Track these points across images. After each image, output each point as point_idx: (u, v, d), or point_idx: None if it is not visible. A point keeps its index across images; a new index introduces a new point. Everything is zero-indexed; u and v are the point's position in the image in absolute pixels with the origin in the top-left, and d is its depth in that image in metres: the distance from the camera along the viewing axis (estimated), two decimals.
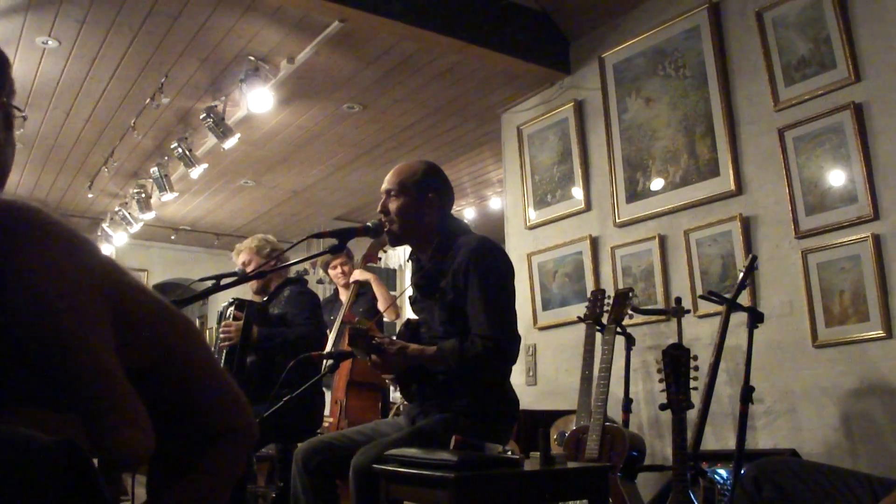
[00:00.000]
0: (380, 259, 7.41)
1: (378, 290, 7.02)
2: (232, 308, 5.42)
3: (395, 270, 12.86)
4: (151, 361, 0.87)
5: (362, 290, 7.15)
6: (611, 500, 4.35)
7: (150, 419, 0.81)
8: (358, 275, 6.95)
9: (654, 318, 5.57)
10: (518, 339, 3.68)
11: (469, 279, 3.57)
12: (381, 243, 6.59)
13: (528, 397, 6.56)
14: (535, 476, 3.07)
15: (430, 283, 3.76)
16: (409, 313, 4.35)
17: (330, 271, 7.36)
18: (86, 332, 0.78)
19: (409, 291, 4.02)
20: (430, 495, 2.95)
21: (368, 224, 3.80)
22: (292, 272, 6.22)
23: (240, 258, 5.80)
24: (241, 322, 5.27)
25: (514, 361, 3.66)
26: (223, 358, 5.34)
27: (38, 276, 0.76)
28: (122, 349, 0.81)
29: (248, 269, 5.55)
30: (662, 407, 3.90)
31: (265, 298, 5.75)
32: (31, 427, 0.82)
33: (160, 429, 0.84)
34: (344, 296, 7.19)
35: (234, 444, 0.96)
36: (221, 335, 5.33)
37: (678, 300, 5.02)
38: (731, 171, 5.39)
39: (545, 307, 6.76)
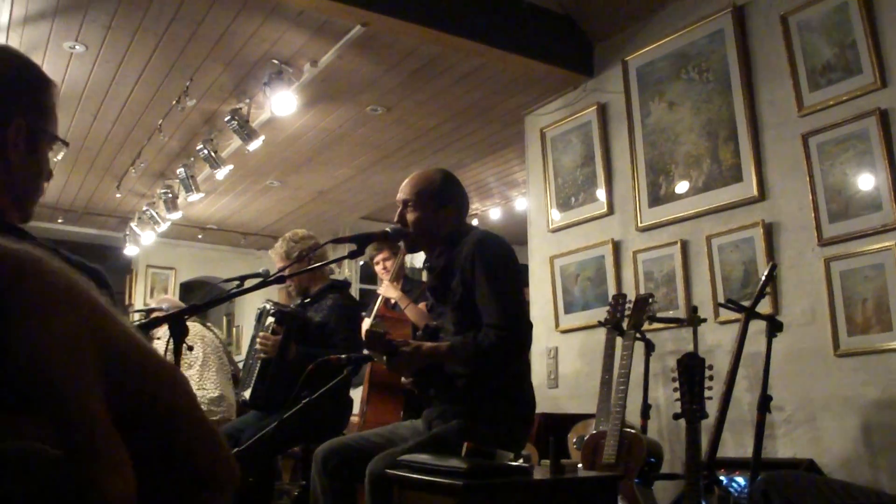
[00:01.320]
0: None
1: (402, 304, 7.01)
2: (272, 319, 5.39)
3: (419, 269, 12.86)
4: (136, 409, 0.89)
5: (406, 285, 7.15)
6: None
7: (137, 467, 0.82)
8: (384, 290, 6.95)
9: (674, 324, 5.55)
10: (530, 326, 3.71)
11: (475, 272, 3.60)
12: (401, 256, 6.62)
13: (550, 400, 6.57)
14: (544, 485, 3.08)
15: (442, 284, 3.79)
16: None
17: (375, 267, 7.37)
18: (74, 384, 0.80)
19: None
20: (440, 502, 2.96)
21: (387, 230, 3.82)
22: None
23: (276, 263, 5.77)
24: (280, 338, 5.25)
25: (527, 349, 3.68)
26: (257, 368, 5.35)
27: (33, 330, 0.79)
28: (109, 397, 0.83)
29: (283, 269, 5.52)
30: (676, 416, 3.89)
31: (305, 300, 5.72)
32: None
33: (146, 476, 0.88)
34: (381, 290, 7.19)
35: (216, 494, 0.97)
36: (258, 346, 5.31)
37: (694, 309, 5.00)
38: (753, 177, 5.36)
39: (567, 310, 6.76)
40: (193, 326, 6.99)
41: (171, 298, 7.68)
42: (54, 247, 1.85)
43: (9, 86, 1.94)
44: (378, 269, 7.29)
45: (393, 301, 7.00)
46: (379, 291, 6.94)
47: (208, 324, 7.39)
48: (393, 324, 6.54)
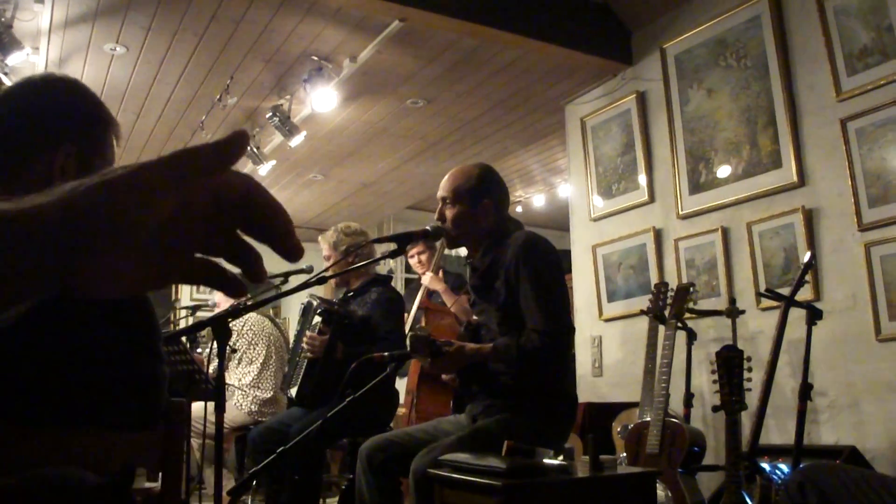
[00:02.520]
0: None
1: (448, 301, 7.06)
2: (319, 319, 5.44)
3: (465, 258, 12.88)
4: None
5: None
6: (670, 495, 4.38)
7: None
8: (427, 282, 7.00)
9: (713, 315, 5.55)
10: (572, 330, 3.73)
11: (519, 275, 3.64)
12: (441, 250, 6.66)
13: (594, 388, 6.60)
14: (583, 483, 3.11)
15: (485, 284, 3.82)
16: None
17: (409, 260, 7.43)
18: None
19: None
20: (480, 501, 3.01)
21: (427, 228, 3.86)
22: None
23: (323, 250, 5.82)
24: (327, 338, 5.31)
25: (569, 352, 3.71)
26: (304, 367, 5.40)
27: None
28: None
29: (328, 263, 5.56)
30: (715, 409, 3.90)
31: (349, 294, 5.77)
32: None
33: None
34: (425, 281, 7.27)
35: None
36: (306, 345, 5.35)
37: (733, 301, 5.02)
38: (793, 163, 5.36)
39: (610, 299, 6.78)
40: (262, 321, 7.10)
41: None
42: None
43: (65, 113, 1.99)
44: (413, 262, 7.36)
45: (434, 292, 7.07)
46: (423, 282, 7.00)
47: (277, 320, 7.48)
48: (434, 315, 6.60)
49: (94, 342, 1.88)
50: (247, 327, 6.95)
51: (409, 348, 3.66)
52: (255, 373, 6.78)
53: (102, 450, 1.83)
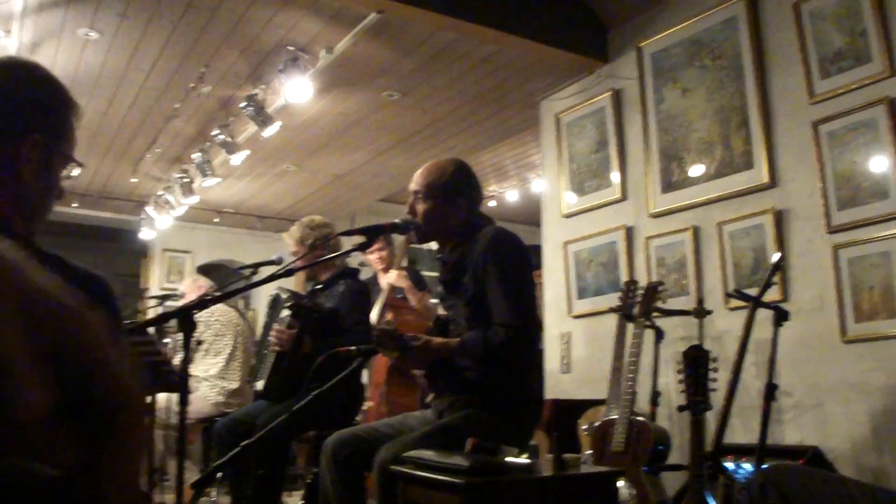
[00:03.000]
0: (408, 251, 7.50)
1: (412, 298, 7.08)
2: (288, 313, 5.42)
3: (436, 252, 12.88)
4: (55, 346, 1.35)
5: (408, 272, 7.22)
6: (635, 493, 4.39)
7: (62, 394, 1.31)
8: (393, 279, 7.00)
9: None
10: (539, 325, 3.74)
11: (487, 270, 3.64)
12: (405, 245, 6.68)
13: (562, 385, 6.61)
14: (545, 482, 3.12)
15: (454, 279, 3.82)
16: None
17: (367, 256, 7.42)
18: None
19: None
20: (442, 499, 3.01)
21: (397, 221, 3.85)
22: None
23: (289, 246, 5.80)
24: (295, 332, 5.28)
25: (536, 347, 3.72)
26: (271, 360, 5.39)
27: None
28: (29, 337, 1.27)
29: (295, 259, 5.56)
30: (681, 408, 3.92)
31: (317, 286, 5.75)
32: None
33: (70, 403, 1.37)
34: (383, 279, 7.26)
35: (128, 415, 1.45)
36: (273, 338, 5.34)
37: (700, 301, 5.06)
38: (764, 164, 5.39)
39: (580, 296, 6.79)
40: (229, 313, 7.10)
41: (192, 284, 7.69)
42: (58, 254, 1.90)
43: (30, 101, 1.99)
44: (371, 258, 7.35)
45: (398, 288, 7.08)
46: (389, 280, 7.00)
47: (244, 312, 7.48)
48: (399, 311, 6.62)
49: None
50: (214, 318, 6.94)
51: (375, 343, 3.66)
52: (222, 364, 6.78)
53: (62, 441, 1.81)
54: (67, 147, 2.04)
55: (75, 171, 2.12)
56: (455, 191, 3.85)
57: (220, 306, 7.02)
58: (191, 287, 7.37)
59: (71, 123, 2.04)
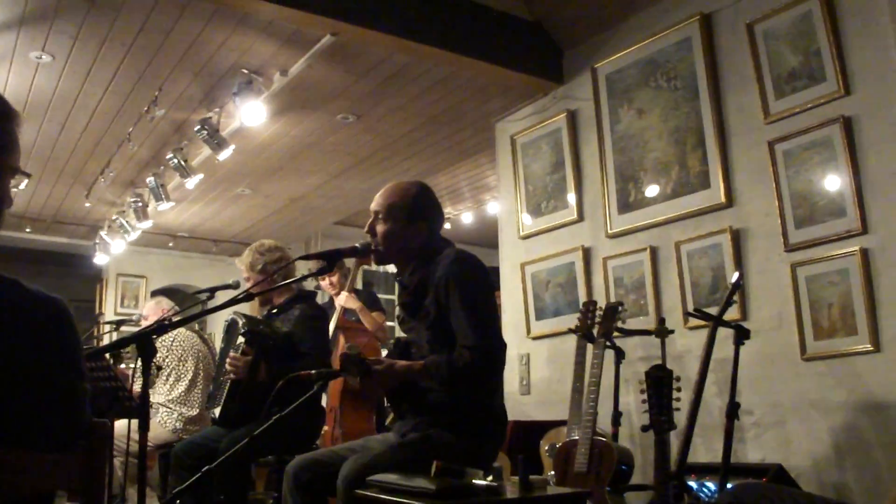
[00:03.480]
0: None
1: (365, 319, 7.08)
2: (242, 340, 5.35)
3: (393, 275, 12.87)
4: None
5: (358, 293, 7.23)
6: None
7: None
8: (344, 301, 6.99)
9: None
10: (504, 346, 3.69)
11: (449, 292, 3.60)
12: (355, 269, 6.69)
13: (522, 407, 6.59)
14: None
15: (415, 302, 3.79)
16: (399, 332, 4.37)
17: (320, 282, 7.40)
18: None
19: (398, 311, 4.05)
20: None
21: (356, 245, 3.82)
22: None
23: (241, 272, 5.74)
24: (250, 359, 5.21)
25: (501, 369, 3.69)
26: (227, 387, 5.32)
27: None
28: None
29: (248, 285, 5.50)
30: (644, 428, 3.92)
31: (272, 310, 5.69)
32: None
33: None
34: (337, 301, 7.26)
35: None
36: (229, 366, 5.26)
37: (662, 320, 5.05)
38: (721, 184, 5.41)
39: (538, 317, 6.78)
40: (192, 338, 7.01)
41: (155, 306, 7.55)
42: (14, 278, 1.87)
43: None
44: (324, 284, 7.36)
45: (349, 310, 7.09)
46: (339, 303, 7.00)
47: (205, 336, 7.39)
48: (351, 333, 6.63)
49: (11, 355, 1.82)
50: (176, 343, 6.85)
51: (340, 367, 3.62)
52: (183, 389, 6.69)
53: (18, 471, 1.77)
54: (13, 158, 2.01)
55: (22, 185, 2.10)
56: (417, 213, 3.81)
57: (182, 331, 6.93)
58: (153, 309, 7.26)
59: (15, 135, 2.02)
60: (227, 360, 5.29)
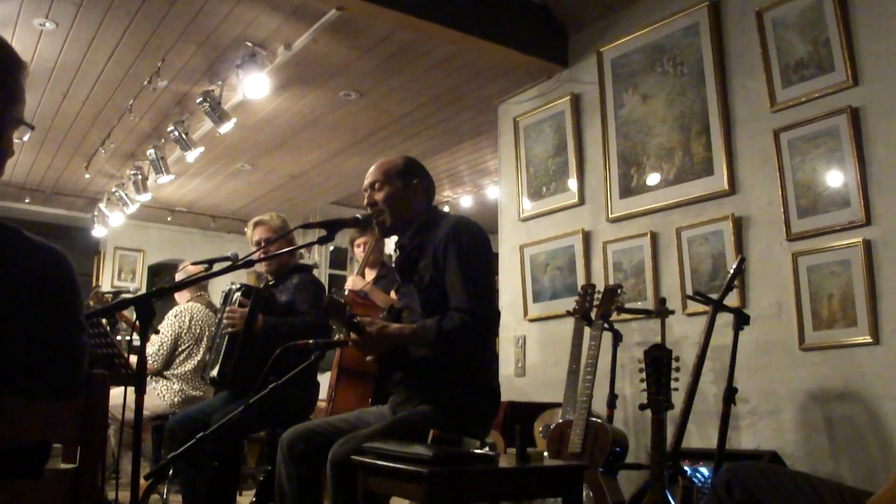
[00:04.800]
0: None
1: (375, 297, 7.04)
2: (238, 294, 5.34)
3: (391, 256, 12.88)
4: None
5: (381, 273, 7.16)
6: (592, 495, 4.37)
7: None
8: (351, 283, 6.95)
9: (641, 315, 5.57)
10: (497, 313, 3.69)
11: (448, 254, 3.60)
12: (372, 242, 6.65)
13: (516, 388, 6.59)
14: (509, 473, 3.09)
15: (410, 266, 3.79)
16: None
17: (355, 249, 7.36)
18: None
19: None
20: (405, 489, 2.98)
21: (357, 216, 3.81)
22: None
23: (256, 233, 5.66)
24: (247, 310, 5.21)
25: (491, 336, 3.67)
26: (225, 343, 5.30)
27: None
28: None
29: (265, 247, 5.48)
30: (642, 407, 3.91)
31: (269, 282, 5.69)
32: None
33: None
34: (348, 284, 7.23)
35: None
36: (225, 321, 5.25)
37: (663, 301, 5.03)
38: (725, 171, 5.39)
39: (536, 299, 6.77)
40: (203, 311, 6.90)
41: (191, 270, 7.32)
42: (16, 227, 1.85)
43: None
44: (358, 252, 7.29)
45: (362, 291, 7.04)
46: (346, 286, 6.97)
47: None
48: (360, 308, 6.57)
49: (10, 303, 1.81)
50: (195, 322, 6.77)
51: (323, 311, 3.60)
52: (191, 368, 6.64)
53: (15, 418, 1.76)
54: (18, 108, 2.00)
55: (26, 136, 2.10)
56: (411, 175, 3.89)
57: (202, 309, 6.88)
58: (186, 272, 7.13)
59: (21, 85, 2.01)
60: (225, 313, 5.27)
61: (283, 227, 5.63)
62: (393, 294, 6.95)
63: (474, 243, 3.67)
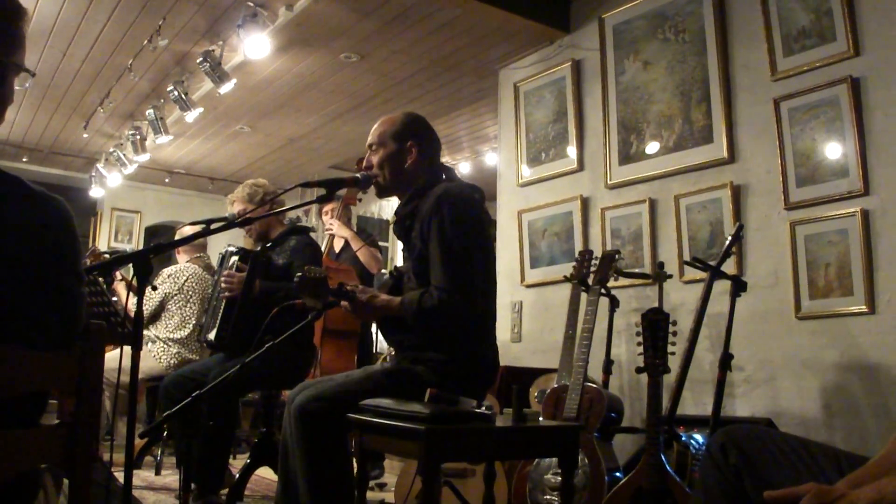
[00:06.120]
0: (359, 201, 7.45)
1: (355, 245, 7.04)
2: (236, 258, 5.33)
3: (388, 221, 12.88)
4: None
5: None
6: (587, 460, 4.39)
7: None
8: (336, 230, 6.95)
9: (639, 281, 5.58)
10: (477, 292, 3.58)
11: (431, 229, 3.56)
12: (343, 201, 6.63)
13: (512, 354, 6.60)
14: (505, 432, 3.10)
15: (405, 233, 3.78)
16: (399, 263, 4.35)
17: (322, 217, 7.37)
18: None
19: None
20: (401, 446, 2.98)
21: (357, 175, 3.80)
22: (288, 218, 6.06)
23: (234, 207, 5.68)
24: (244, 275, 5.22)
25: (472, 315, 3.58)
26: (221, 307, 5.30)
27: None
28: None
29: (252, 211, 5.47)
30: (639, 370, 3.92)
31: (267, 244, 5.67)
32: None
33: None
34: (338, 244, 7.24)
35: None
36: (223, 284, 5.26)
37: (661, 265, 5.04)
38: (724, 139, 5.38)
39: (533, 265, 6.78)
40: (204, 280, 6.86)
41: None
42: (17, 176, 1.85)
43: None
44: (325, 218, 7.31)
45: (341, 246, 7.04)
46: (330, 230, 6.98)
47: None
48: (338, 275, 6.59)
49: (9, 250, 1.81)
50: (188, 283, 6.77)
51: (295, 289, 3.59)
52: (187, 334, 6.63)
53: (12, 366, 1.76)
54: (19, 55, 1.99)
55: (27, 84, 2.10)
56: (406, 136, 3.82)
57: (197, 270, 6.87)
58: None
59: (22, 32, 2.00)
60: (222, 277, 5.27)
61: (252, 193, 5.62)
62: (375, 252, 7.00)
63: (458, 218, 3.57)
